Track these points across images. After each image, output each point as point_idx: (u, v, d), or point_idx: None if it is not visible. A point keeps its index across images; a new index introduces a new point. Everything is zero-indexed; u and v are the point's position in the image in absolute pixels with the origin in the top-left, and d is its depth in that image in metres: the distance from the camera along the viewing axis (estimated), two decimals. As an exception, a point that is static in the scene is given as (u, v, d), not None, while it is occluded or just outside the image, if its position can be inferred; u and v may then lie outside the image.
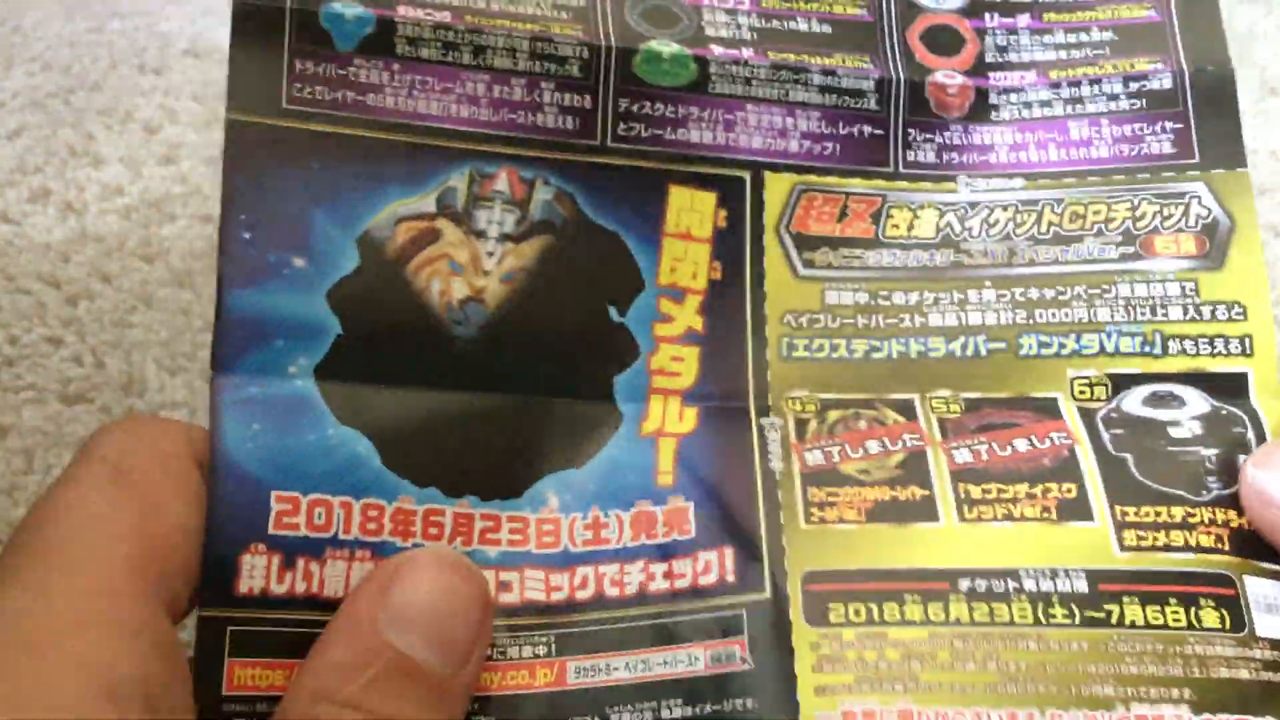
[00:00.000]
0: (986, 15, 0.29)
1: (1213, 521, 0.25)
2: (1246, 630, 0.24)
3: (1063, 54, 0.29)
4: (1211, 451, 0.26)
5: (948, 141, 0.28)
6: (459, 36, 0.26)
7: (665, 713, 0.23)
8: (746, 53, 0.28)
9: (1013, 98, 0.29)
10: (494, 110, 0.26)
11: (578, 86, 0.27)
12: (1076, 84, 0.29)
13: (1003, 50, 0.29)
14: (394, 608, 0.21)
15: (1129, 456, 0.26)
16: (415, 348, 0.25)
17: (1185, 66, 0.28)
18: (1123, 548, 0.25)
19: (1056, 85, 0.29)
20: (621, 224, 0.27)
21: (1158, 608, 0.24)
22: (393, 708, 0.20)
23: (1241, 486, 0.25)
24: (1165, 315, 0.27)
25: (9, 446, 0.31)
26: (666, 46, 0.27)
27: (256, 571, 0.23)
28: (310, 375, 0.25)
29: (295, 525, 0.24)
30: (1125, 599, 0.24)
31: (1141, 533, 0.25)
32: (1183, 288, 0.27)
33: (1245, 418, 0.26)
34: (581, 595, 0.25)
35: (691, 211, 0.27)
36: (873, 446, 0.26)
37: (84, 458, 0.22)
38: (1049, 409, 0.27)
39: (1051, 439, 0.26)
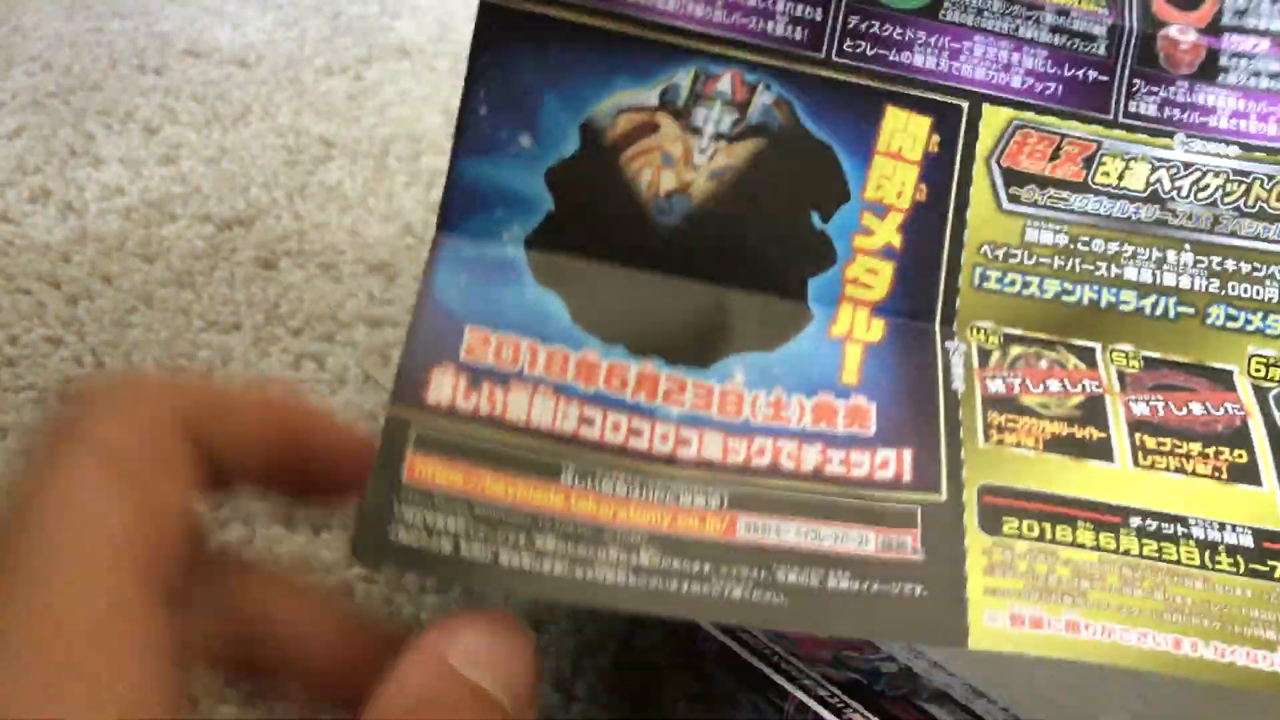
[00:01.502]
0: None
1: None
2: None
3: None
4: None
5: (1171, 97, 0.29)
6: None
7: (832, 581, 0.23)
8: None
9: (1243, 63, 0.29)
10: (727, 13, 0.27)
11: None
12: None
13: (1241, 14, 0.29)
14: (463, 646, 0.21)
15: None
16: (619, 230, 0.27)
17: None
18: None
19: None
20: (835, 136, 0.28)
21: None
22: None
23: None
24: None
25: (9, 446, 0.31)
26: None
27: (444, 386, 0.24)
28: (520, 244, 0.26)
29: (484, 356, 0.25)
30: None
31: None
32: None
33: None
34: (758, 462, 0.25)
35: (905, 133, 0.28)
36: (1053, 385, 0.27)
37: (66, 438, 0.20)
38: (1224, 380, 0.27)
39: (1226, 408, 0.26)
